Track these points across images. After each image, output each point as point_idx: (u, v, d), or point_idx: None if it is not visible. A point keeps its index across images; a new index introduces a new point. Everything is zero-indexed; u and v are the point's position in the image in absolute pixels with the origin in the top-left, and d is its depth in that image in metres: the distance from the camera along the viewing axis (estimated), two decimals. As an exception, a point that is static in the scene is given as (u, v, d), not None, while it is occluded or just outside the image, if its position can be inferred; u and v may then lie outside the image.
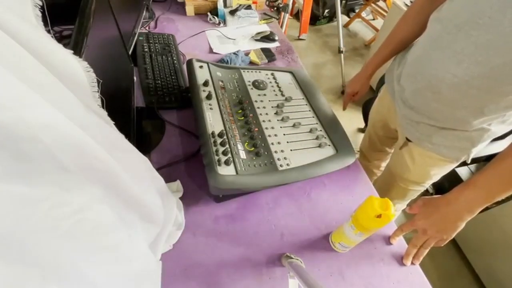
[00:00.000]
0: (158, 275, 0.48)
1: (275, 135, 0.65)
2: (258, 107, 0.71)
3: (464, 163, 0.70)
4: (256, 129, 0.65)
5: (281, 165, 0.59)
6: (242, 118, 0.67)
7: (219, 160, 0.54)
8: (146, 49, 0.94)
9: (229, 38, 1.10)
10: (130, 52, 0.79)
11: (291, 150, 0.63)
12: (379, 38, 1.97)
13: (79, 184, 0.28)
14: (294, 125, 0.68)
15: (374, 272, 0.57)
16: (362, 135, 1.14)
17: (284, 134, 0.66)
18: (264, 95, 0.75)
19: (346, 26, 2.86)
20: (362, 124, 1.89)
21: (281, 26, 1.59)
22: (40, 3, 0.31)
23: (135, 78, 0.80)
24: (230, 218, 0.61)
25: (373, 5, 2.66)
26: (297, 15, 2.74)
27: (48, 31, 0.32)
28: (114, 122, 0.39)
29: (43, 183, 0.24)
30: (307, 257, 0.56)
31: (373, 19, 2.97)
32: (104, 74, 0.43)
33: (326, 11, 2.79)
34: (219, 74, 0.77)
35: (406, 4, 1.66)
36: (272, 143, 0.63)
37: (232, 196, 0.64)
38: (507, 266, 1.15)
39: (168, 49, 0.97)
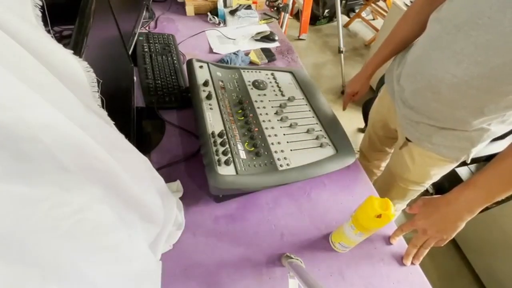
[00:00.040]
0: (158, 275, 0.48)
1: (275, 135, 0.65)
2: (258, 107, 0.71)
3: (464, 163, 0.70)
4: (256, 129, 0.65)
5: (281, 165, 0.59)
6: (242, 118, 0.67)
7: (219, 160, 0.54)
8: (146, 49, 0.94)
9: (229, 38, 1.10)
10: (130, 52, 0.79)
11: (291, 150, 0.63)
12: (379, 38, 1.97)
13: (79, 184, 0.28)
14: (294, 125, 0.68)
15: (374, 272, 0.57)
16: (362, 135, 1.14)
17: (284, 134, 0.66)
18: (264, 95, 0.75)
19: (346, 26, 2.86)
20: (362, 124, 1.89)
21: (281, 26, 1.59)
22: (40, 3, 0.31)
23: (135, 78, 0.80)
24: (230, 218, 0.61)
25: (373, 5, 2.66)
26: (297, 15, 2.74)
27: (48, 31, 0.32)
28: (114, 122, 0.39)
29: (43, 183, 0.24)
30: (307, 257, 0.56)
31: (373, 19, 2.97)
32: (104, 74, 0.43)
33: (326, 11, 2.79)
34: (219, 74, 0.77)
35: (406, 4, 1.66)
36: (272, 143, 0.63)
37: (232, 196, 0.64)
38: (507, 266, 1.15)
39: (168, 49, 0.97)
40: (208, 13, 1.19)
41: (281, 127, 0.67)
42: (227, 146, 0.58)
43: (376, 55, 0.82)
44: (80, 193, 0.28)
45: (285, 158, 0.61)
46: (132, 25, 0.88)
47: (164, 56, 0.94)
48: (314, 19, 2.79)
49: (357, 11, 2.87)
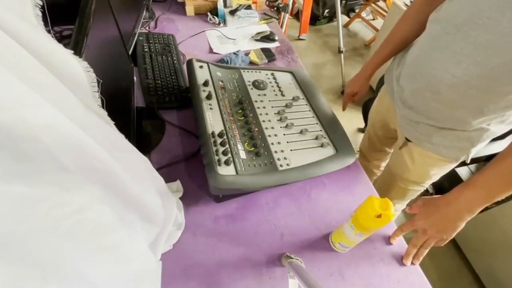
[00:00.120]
0: (158, 275, 0.48)
1: (275, 135, 0.65)
2: (258, 107, 0.71)
3: (463, 163, 0.70)
4: (256, 129, 0.65)
5: (281, 165, 0.59)
6: (242, 118, 0.67)
7: (219, 160, 0.55)
8: (146, 49, 0.94)
9: (229, 38, 1.10)
10: (130, 52, 0.79)
11: (291, 150, 0.63)
12: (379, 38, 1.97)
13: (79, 184, 0.28)
14: (294, 125, 0.68)
15: (374, 272, 0.57)
16: (362, 135, 1.14)
17: (284, 134, 0.66)
18: (264, 95, 0.75)
19: (346, 26, 2.86)
20: (362, 124, 1.89)
21: (281, 26, 1.59)
22: (40, 3, 0.31)
23: (135, 78, 0.80)
24: (230, 218, 0.61)
25: (373, 5, 2.66)
26: (297, 15, 2.74)
27: (48, 31, 0.32)
28: (114, 122, 0.39)
29: (43, 183, 0.24)
30: (307, 257, 0.56)
31: (373, 19, 2.97)
32: (104, 74, 0.43)
33: (326, 11, 2.79)
34: (219, 74, 0.77)
35: (406, 4, 1.66)
36: (272, 143, 0.63)
37: (232, 196, 0.64)
38: (507, 266, 1.15)
39: (168, 49, 0.97)
40: (208, 13, 1.19)
41: (281, 127, 0.67)
42: (227, 146, 0.58)
43: (376, 55, 0.82)
44: (80, 193, 0.28)
45: (285, 158, 0.61)
46: (132, 25, 0.89)
47: (164, 56, 0.94)
48: (314, 19, 2.79)
49: (357, 11, 2.87)
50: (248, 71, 0.81)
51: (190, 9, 1.19)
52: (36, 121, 0.22)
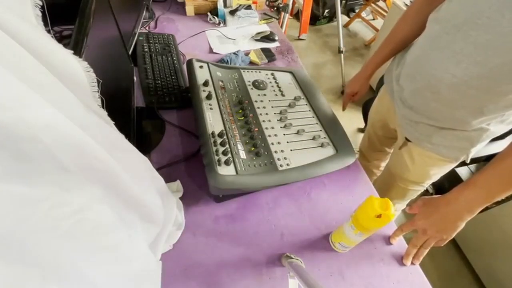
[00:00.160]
0: (158, 275, 0.48)
1: (275, 135, 0.65)
2: (258, 107, 0.71)
3: (463, 163, 0.70)
4: (256, 129, 0.65)
5: (281, 165, 0.59)
6: (242, 118, 0.67)
7: (219, 160, 0.55)
8: (146, 49, 0.94)
9: (229, 38, 1.10)
10: (130, 52, 0.79)
11: (291, 150, 0.63)
12: (379, 38, 1.97)
13: (79, 184, 0.28)
14: (294, 125, 0.68)
15: (374, 272, 0.57)
16: (362, 135, 1.14)
17: (284, 134, 0.66)
18: (264, 95, 0.75)
19: (346, 26, 2.86)
20: (362, 124, 1.89)
21: (281, 26, 1.59)
22: (40, 3, 0.31)
23: (135, 78, 0.80)
24: (230, 218, 0.61)
25: (373, 5, 2.66)
26: (297, 15, 2.74)
27: (48, 31, 0.32)
28: (114, 122, 0.39)
29: (43, 183, 0.24)
30: (307, 257, 0.56)
31: (373, 19, 2.98)
32: (104, 74, 0.43)
33: (326, 11, 2.79)
34: (219, 74, 0.77)
35: (406, 4, 1.66)
36: (272, 143, 0.63)
37: (232, 196, 0.64)
38: (507, 266, 1.15)
39: (168, 49, 0.97)
40: (208, 13, 1.19)
41: (281, 127, 0.67)
42: (227, 146, 0.58)
43: (376, 55, 0.82)
44: (80, 193, 0.28)
45: (285, 158, 0.61)
46: (132, 25, 0.89)
47: (164, 56, 0.94)
48: (314, 19, 2.79)
49: (357, 11, 2.87)
50: (248, 71, 0.81)
51: (190, 9, 1.19)
52: (36, 121, 0.22)
